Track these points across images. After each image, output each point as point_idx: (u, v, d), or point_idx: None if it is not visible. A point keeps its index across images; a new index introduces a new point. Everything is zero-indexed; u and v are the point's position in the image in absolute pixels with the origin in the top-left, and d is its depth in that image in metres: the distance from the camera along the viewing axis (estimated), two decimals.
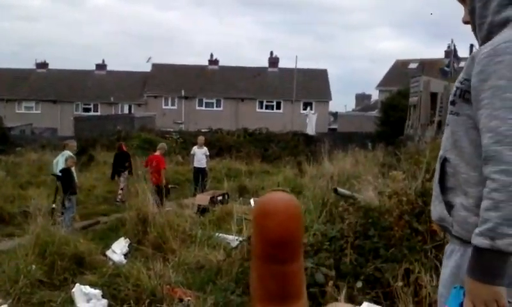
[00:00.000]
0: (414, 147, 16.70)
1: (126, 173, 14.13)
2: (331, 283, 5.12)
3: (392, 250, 5.54)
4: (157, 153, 13.81)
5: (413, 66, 43.23)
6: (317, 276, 5.18)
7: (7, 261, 7.49)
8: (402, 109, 28.93)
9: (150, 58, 49.50)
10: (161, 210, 9.59)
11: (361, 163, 14.51)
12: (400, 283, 4.91)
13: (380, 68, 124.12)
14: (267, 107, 46.62)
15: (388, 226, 5.89)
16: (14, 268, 7.13)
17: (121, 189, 14.21)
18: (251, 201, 13.01)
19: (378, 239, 5.75)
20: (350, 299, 5.06)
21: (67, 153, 12.19)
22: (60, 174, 11.50)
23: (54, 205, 11.28)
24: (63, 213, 10.55)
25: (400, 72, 43.45)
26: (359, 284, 5.20)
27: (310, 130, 32.90)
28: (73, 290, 6.42)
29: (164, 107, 45.92)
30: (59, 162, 12.01)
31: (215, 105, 46.77)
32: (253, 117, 42.30)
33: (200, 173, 15.19)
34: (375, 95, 51.88)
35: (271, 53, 50.11)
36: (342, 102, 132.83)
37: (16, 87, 47.40)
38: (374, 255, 5.58)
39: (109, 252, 8.43)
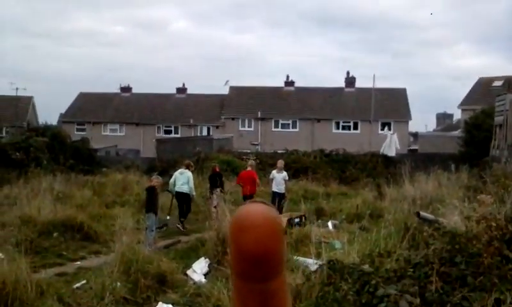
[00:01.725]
0: (501, 169, 15.89)
1: (218, 191, 14.62)
2: None
3: (480, 278, 5.28)
4: (249, 168, 15.61)
5: (497, 83, 41.32)
6: (401, 304, 5.01)
7: (93, 278, 7.82)
8: (487, 129, 27.69)
9: (227, 81, 50.65)
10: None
11: (444, 186, 13.94)
12: None
13: (461, 86, 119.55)
14: (343, 128, 46.12)
15: (477, 253, 5.62)
16: (100, 285, 7.42)
17: (215, 207, 14.63)
18: (329, 223, 12.86)
19: (466, 266, 5.50)
20: None
21: (186, 172, 14.22)
22: (178, 191, 13.86)
23: (167, 217, 13.96)
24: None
25: (484, 90, 41.68)
26: None
27: (389, 151, 32.07)
28: None
29: (240, 128, 46.62)
30: (178, 179, 14.16)
31: (291, 126, 46.89)
32: (329, 138, 41.97)
33: (278, 197, 15.00)
34: (457, 114, 50.04)
35: (348, 73, 49.74)
36: (422, 121, 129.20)
37: (102, 110, 49.90)
38: (461, 283, 5.33)
39: (189, 272, 8.60)
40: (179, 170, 14.82)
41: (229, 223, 0.55)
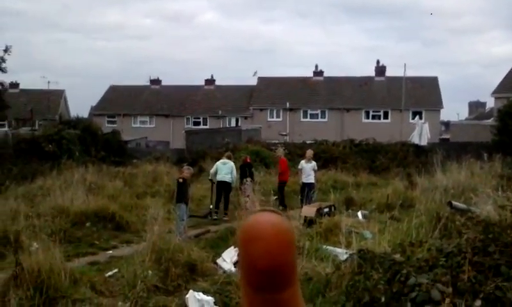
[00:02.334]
0: None
1: (248, 181, 14.78)
2: (447, 300, 4.88)
3: None
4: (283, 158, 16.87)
5: None
6: (432, 293, 4.95)
7: (125, 266, 7.95)
8: None
9: (255, 72, 50.61)
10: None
11: (477, 175, 13.68)
12: None
13: (494, 74, 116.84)
14: (373, 117, 45.62)
15: (511, 242, 5.51)
16: (132, 273, 7.54)
17: (248, 196, 14.75)
18: (359, 213, 12.77)
19: (499, 256, 5.39)
20: None
21: (229, 163, 14.74)
22: (221, 181, 14.41)
23: (211, 206, 14.62)
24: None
25: None
26: (478, 302, 4.90)
27: (419, 140, 31.57)
28: (187, 296, 6.66)
29: (269, 119, 46.57)
30: (221, 169, 14.65)
31: (319, 116, 46.62)
32: (358, 127, 41.57)
33: (307, 187, 14.96)
34: (490, 102, 48.92)
35: (378, 62, 49.12)
36: (453, 110, 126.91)
37: (132, 102, 50.49)
38: (495, 273, 5.23)
39: (219, 261, 8.66)
40: (221, 160, 15.19)
41: (238, 232, 0.54)
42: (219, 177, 14.68)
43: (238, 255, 0.53)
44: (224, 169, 14.69)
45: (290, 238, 0.52)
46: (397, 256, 5.98)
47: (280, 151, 16.67)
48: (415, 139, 31.75)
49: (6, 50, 30.58)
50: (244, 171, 15.82)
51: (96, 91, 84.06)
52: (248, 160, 16.97)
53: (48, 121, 38.76)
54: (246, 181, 14.60)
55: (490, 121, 36.78)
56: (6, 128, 35.25)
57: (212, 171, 15.09)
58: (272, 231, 0.51)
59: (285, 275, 0.52)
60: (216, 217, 14.42)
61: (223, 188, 14.64)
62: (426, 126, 32.87)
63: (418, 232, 7.93)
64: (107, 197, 14.28)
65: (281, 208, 14.52)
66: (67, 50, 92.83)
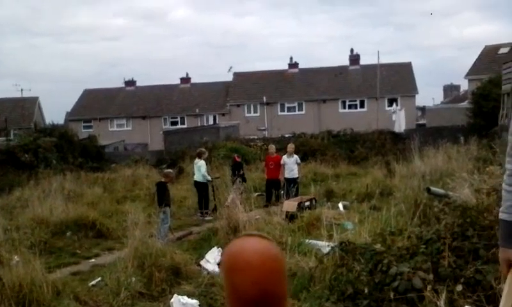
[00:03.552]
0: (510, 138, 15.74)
1: (238, 181, 14.76)
2: (429, 287, 4.94)
3: (493, 250, 5.25)
4: (274, 155, 15.98)
5: (504, 51, 40.82)
6: (414, 281, 5.01)
7: (108, 274, 7.88)
8: (495, 98, 27.41)
9: (231, 68, 50.61)
10: (250, 217, 9.71)
11: (454, 159, 13.86)
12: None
13: (468, 56, 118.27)
14: (350, 107, 45.92)
15: (488, 225, 5.60)
16: (115, 281, 7.48)
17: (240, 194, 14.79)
18: (340, 205, 12.86)
19: (478, 239, 5.48)
20: (450, 303, 4.85)
21: (200, 162, 14.51)
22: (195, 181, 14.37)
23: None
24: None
25: (490, 59, 41.21)
26: (459, 287, 4.97)
27: (398, 127, 31.93)
28: (171, 301, 6.64)
29: (247, 114, 46.55)
30: (194, 169, 14.59)
31: (297, 109, 46.75)
32: (336, 118, 41.83)
33: (291, 183, 14.80)
34: (464, 85, 49.54)
35: (351, 50, 49.37)
36: (429, 95, 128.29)
37: (107, 106, 50.01)
38: (474, 256, 5.32)
39: (203, 262, 8.64)
40: (195, 160, 15.09)
41: (222, 257, 0.51)
42: (194, 177, 14.76)
43: (223, 281, 0.49)
44: (196, 168, 14.67)
45: (279, 266, 0.49)
46: (378, 246, 6.03)
47: (273, 149, 16.44)
48: (396, 127, 32.09)
49: None
50: (235, 171, 15.82)
51: (71, 96, 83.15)
52: (238, 160, 16.91)
53: (23, 130, 38.19)
54: (236, 181, 14.62)
55: (465, 104, 37.30)
56: None
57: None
58: (259, 260, 0.48)
59: (273, 304, 0.48)
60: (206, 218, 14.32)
61: (198, 188, 14.58)
62: (402, 113, 33.25)
63: (398, 220, 8.02)
64: (86, 205, 14.15)
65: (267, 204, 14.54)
66: (39, 55, 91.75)
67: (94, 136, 33.17)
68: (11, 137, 35.45)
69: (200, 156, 14.90)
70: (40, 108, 52.77)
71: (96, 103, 50.03)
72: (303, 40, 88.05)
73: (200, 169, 14.45)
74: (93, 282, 8.09)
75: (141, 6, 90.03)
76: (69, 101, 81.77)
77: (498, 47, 43.06)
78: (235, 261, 0.45)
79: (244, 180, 15.07)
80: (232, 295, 0.47)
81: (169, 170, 13.18)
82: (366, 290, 5.34)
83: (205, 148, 22.79)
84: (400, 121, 32.24)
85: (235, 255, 0.45)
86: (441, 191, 8.32)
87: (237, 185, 14.27)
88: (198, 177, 14.52)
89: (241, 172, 15.75)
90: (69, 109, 52.52)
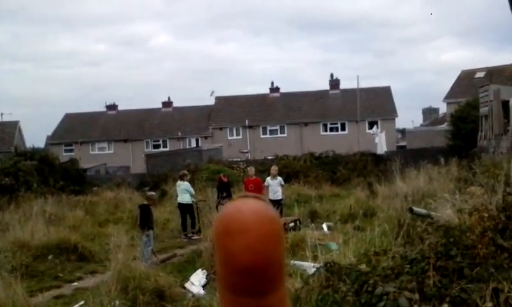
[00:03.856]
0: (489, 159, 16.03)
1: (226, 201, 14.67)
2: (415, 306, 4.97)
3: (477, 269, 5.32)
4: (253, 178, 15.52)
5: (480, 75, 41.78)
6: (400, 301, 5.04)
7: (91, 298, 7.78)
8: (473, 120, 27.95)
9: (212, 92, 50.70)
10: None
11: (435, 179, 14.05)
12: (489, 304, 4.70)
13: (445, 80, 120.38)
14: (331, 130, 46.33)
15: (471, 245, 5.68)
16: (99, 304, 7.39)
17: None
18: (324, 225, 12.91)
19: (461, 258, 5.54)
20: None
21: (184, 184, 14.58)
22: (180, 203, 14.33)
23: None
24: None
25: (467, 83, 42.09)
26: (445, 306, 5.01)
27: (380, 149, 32.26)
28: None
29: (229, 137, 46.64)
30: (178, 192, 14.68)
31: (279, 131, 47.01)
32: (317, 140, 42.11)
33: (275, 204, 14.32)
34: (442, 108, 50.38)
35: (331, 75, 50.01)
36: (408, 117, 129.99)
37: (89, 129, 49.69)
38: (459, 275, 5.37)
39: (187, 285, 8.59)
40: (177, 182, 15.17)
41: (214, 222, 0.46)
42: (178, 200, 14.76)
43: (213, 252, 0.44)
44: (180, 191, 14.72)
45: (277, 230, 0.43)
46: (363, 267, 6.06)
47: (252, 171, 16.22)
48: (378, 149, 32.40)
49: None
50: (222, 191, 15.70)
51: (52, 120, 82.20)
52: (224, 180, 16.65)
53: (3, 153, 37.70)
54: (224, 202, 14.60)
55: (444, 126, 37.88)
56: None
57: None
58: (255, 222, 0.41)
59: (270, 276, 0.43)
60: (188, 237, 14.35)
61: (184, 209, 14.62)
62: (383, 135, 33.63)
63: (382, 240, 8.07)
64: (68, 228, 14.00)
65: None
66: (20, 80, 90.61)
67: (75, 159, 32.87)
68: None
69: (182, 178, 14.96)
70: (20, 132, 52.17)
71: (77, 127, 49.71)
72: (284, 65, 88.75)
73: (187, 190, 14.57)
74: (76, 306, 7.99)
75: (122, 32, 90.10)
76: (50, 125, 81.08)
77: (474, 71, 44.04)
78: (229, 222, 0.38)
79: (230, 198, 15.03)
80: (222, 263, 0.40)
81: (152, 193, 13.11)
82: None
83: (187, 170, 22.74)
84: (381, 143, 32.61)
85: (229, 216, 0.39)
86: (423, 211, 8.41)
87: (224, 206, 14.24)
88: (182, 199, 14.49)
89: (228, 192, 15.65)
90: (50, 133, 52.07)
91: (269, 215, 0.44)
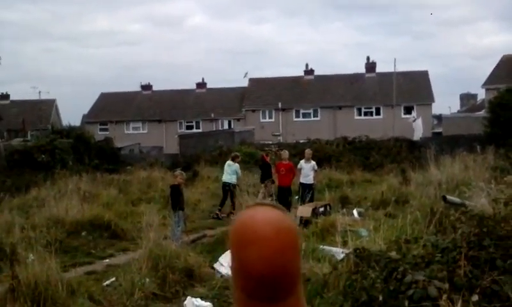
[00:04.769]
0: None
1: (270, 182, 15.15)
2: (445, 296, 4.89)
3: (510, 261, 5.20)
4: (286, 162, 15.35)
5: None
6: (429, 290, 4.96)
7: (123, 274, 7.93)
8: None
9: (246, 73, 50.70)
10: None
11: (471, 168, 13.72)
12: None
13: (485, 65, 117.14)
14: (365, 114, 45.76)
15: (505, 235, 5.54)
16: (129, 281, 7.52)
17: (271, 196, 14.94)
18: (354, 211, 12.81)
19: (494, 249, 5.42)
20: None
21: (235, 165, 14.99)
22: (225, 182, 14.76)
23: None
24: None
25: (508, 68, 40.86)
26: (475, 297, 4.92)
27: (418, 135, 31.77)
28: (185, 303, 6.66)
29: (262, 120, 46.60)
30: (226, 171, 15.08)
31: (312, 115, 46.70)
32: (351, 125, 41.70)
33: (306, 188, 14.60)
34: (481, 94, 49.11)
35: (368, 58, 49.28)
36: (445, 103, 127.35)
37: (124, 109, 50.39)
38: (491, 266, 5.25)
39: (216, 265, 8.65)
40: (227, 162, 15.47)
41: (230, 230, 0.46)
42: (223, 178, 15.07)
43: (230, 259, 0.44)
44: (229, 170, 15.03)
45: (293, 239, 0.44)
46: (393, 254, 5.99)
47: (286, 155, 15.83)
48: (416, 134, 31.91)
49: None
50: (265, 170, 15.73)
51: (88, 99, 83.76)
52: (266, 159, 16.51)
53: (40, 131, 38.63)
54: (268, 182, 14.76)
55: (482, 113, 36.95)
56: None
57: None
58: (270, 232, 0.42)
59: (285, 283, 0.44)
60: (220, 217, 14.49)
61: (227, 189, 14.83)
62: (419, 121, 33.06)
63: (413, 228, 7.96)
64: (102, 206, 14.26)
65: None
66: (57, 59, 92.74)
67: (110, 138, 33.43)
68: (29, 138, 35.88)
69: (233, 159, 15.32)
70: (57, 110, 53.36)
71: (112, 107, 50.45)
72: (319, 47, 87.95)
73: (236, 171, 14.96)
74: (108, 282, 8.15)
75: (159, 12, 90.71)
76: (86, 104, 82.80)
77: None
78: (243, 232, 0.39)
79: (273, 181, 15.14)
80: (238, 272, 0.42)
81: (180, 171, 13.14)
82: (381, 298, 5.30)
83: (219, 152, 22.87)
84: (418, 129, 32.08)
85: (243, 225, 0.39)
86: (457, 200, 8.25)
87: (268, 186, 14.36)
88: (229, 179, 14.84)
89: (269, 172, 15.61)
90: (86, 112, 53.04)
91: (284, 225, 0.43)
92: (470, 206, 7.28)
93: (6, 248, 9.51)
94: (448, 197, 8.34)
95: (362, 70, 48.82)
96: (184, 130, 47.12)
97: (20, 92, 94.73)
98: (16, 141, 31.52)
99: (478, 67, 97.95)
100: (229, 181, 14.82)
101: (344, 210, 12.09)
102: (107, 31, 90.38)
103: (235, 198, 14.38)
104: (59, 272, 7.50)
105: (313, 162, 15.25)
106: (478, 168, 13.72)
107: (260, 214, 0.43)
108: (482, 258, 5.33)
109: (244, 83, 50.32)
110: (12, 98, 51.55)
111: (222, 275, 8.12)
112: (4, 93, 50.95)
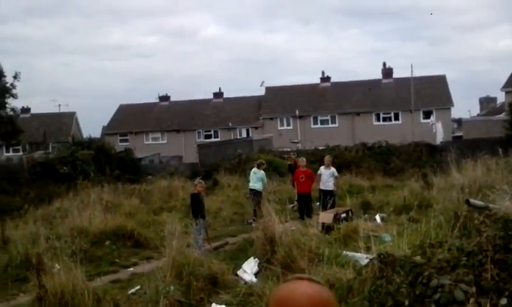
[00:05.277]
0: None
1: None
2: (472, 300, 4.86)
3: None
4: (304, 168, 15.41)
5: None
6: (456, 293, 4.93)
7: (147, 283, 7.99)
8: None
9: (263, 82, 50.75)
10: (286, 229, 9.70)
11: (493, 171, 13.57)
12: None
13: (503, 69, 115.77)
14: (384, 119, 45.50)
15: None
16: (154, 289, 7.58)
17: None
18: (377, 217, 12.75)
19: None
20: None
21: (261, 173, 15.22)
22: (251, 188, 14.93)
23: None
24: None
25: None
26: (503, 301, 4.87)
27: (438, 139, 31.54)
28: None
29: (279, 128, 46.64)
30: (251, 178, 15.27)
31: (330, 121, 46.62)
32: (370, 131, 41.48)
33: (327, 195, 14.47)
34: (500, 97, 48.55)
35: (384, 64, 49.12)
36: (465, 107, 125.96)
37: (142, 120, 50.85)
38: None
39: (240, 272, 8.68)
40: (253, 169, 15.71)
41: (270, 299, 0.46)
42: (250, 185, 15.28)
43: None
44: (255, 178, 15.21)
45: None
46: (418, 258, 5.96)
47: (303, 162, 15.84)
48: (437, 139, 31.68)
49: (15, 77, 31.07)
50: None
51: (106, 111, 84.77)
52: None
53: (61, 143, 39.12)
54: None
55: (502, 115, 36.52)
56: (20, 153, 35.59)
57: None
58: (309, 305, 0.40)
59: None
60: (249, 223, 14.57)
61: (253, 195, 14.91)
62: (439, 125, 32.81)
63: (437, 232, 7.90)
64: (124, 215, 14.40)
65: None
66: (73, 72, 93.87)
67: (130, 149, 33.77)
68: (50, 150, 36.35)
69: (259, 166, 15.56)
70: (77, 122, 54.05)
71: (131, 118, 50.94)
72: (334, 55, 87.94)
73: (262, 178, 15.15)
74: (133, 290, 8.23)
75: (172, 24, 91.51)
76: (104, 116, 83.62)
77: None
78: (283, 305, 0.40)
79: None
80: None
81: (199, 180, 13.24)
82: (407, 302, 5.28)
83: (238, 160, 22.93)
84: (438, 133, 31.85)
85: (283, 299, 0.40)
86: (481, 203, 8.18)
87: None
88: (256, 186, 14.99)
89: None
90: (105, 124, 53.62)
91: (322, 298, 0.45)
92: (494, 209, 7.22)
93: (32, 258, 9.67)
94: (472, 200, 8.27)
95: (378, 76, 48.68)
96: (202, 140, 47.36)
97: (38, 106, 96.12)
98: (38, 154, 31.98)
99: (496, 70, 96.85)
100: (255, 188, 14.97)
101: (366, 215, 12.05)
102: (122, 44, 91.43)
103: (260, 205, 14.40)
104: (85, 281, 7.60)
105: (333, 169, 15.14)
106: (500, 171, 13.56)
107: (300, 289, 0.43)
108: (509, 261, 5.28)
109: (261, 92, 50.51)
110: (32, 111, 52.34)
111: (246, 282, 8.14)
112: (25, 107, 51.75)
